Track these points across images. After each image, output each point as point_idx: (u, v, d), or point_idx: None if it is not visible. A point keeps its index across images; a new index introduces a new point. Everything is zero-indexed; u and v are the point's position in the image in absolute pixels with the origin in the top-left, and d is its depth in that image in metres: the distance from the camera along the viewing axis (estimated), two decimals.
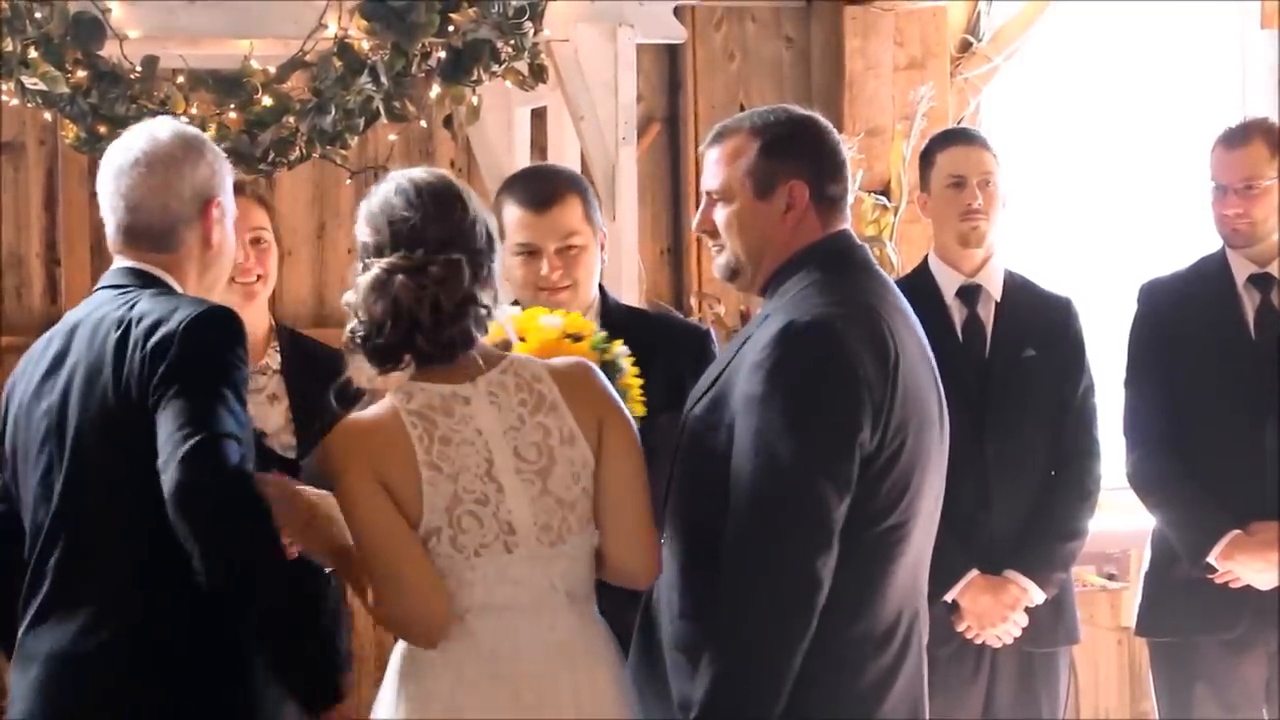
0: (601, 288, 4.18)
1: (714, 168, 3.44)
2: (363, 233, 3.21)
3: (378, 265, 3.13)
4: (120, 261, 3.44)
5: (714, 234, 3.46)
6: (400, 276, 3.10)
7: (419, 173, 3.23)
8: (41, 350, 3.40)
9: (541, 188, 4.12)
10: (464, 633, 3.15)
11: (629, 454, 3.21)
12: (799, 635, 3.15)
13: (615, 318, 4.09)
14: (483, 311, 3.17)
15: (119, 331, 3.26)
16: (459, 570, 3.13)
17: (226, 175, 3.45)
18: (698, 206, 5.96)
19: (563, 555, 3.17)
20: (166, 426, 3.14)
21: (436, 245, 3.13)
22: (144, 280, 3.38)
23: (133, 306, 3.30)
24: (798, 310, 3.26)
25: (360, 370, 3.14)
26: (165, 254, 3.39)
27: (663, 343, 4.05)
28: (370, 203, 3.21)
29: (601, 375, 3.26)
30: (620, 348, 3.68)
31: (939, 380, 3.43)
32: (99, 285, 3.43)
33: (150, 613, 3.23)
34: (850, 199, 5.48)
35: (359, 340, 3.13)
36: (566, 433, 3.17)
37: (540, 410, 3.17)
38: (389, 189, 3.20)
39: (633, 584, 3.28)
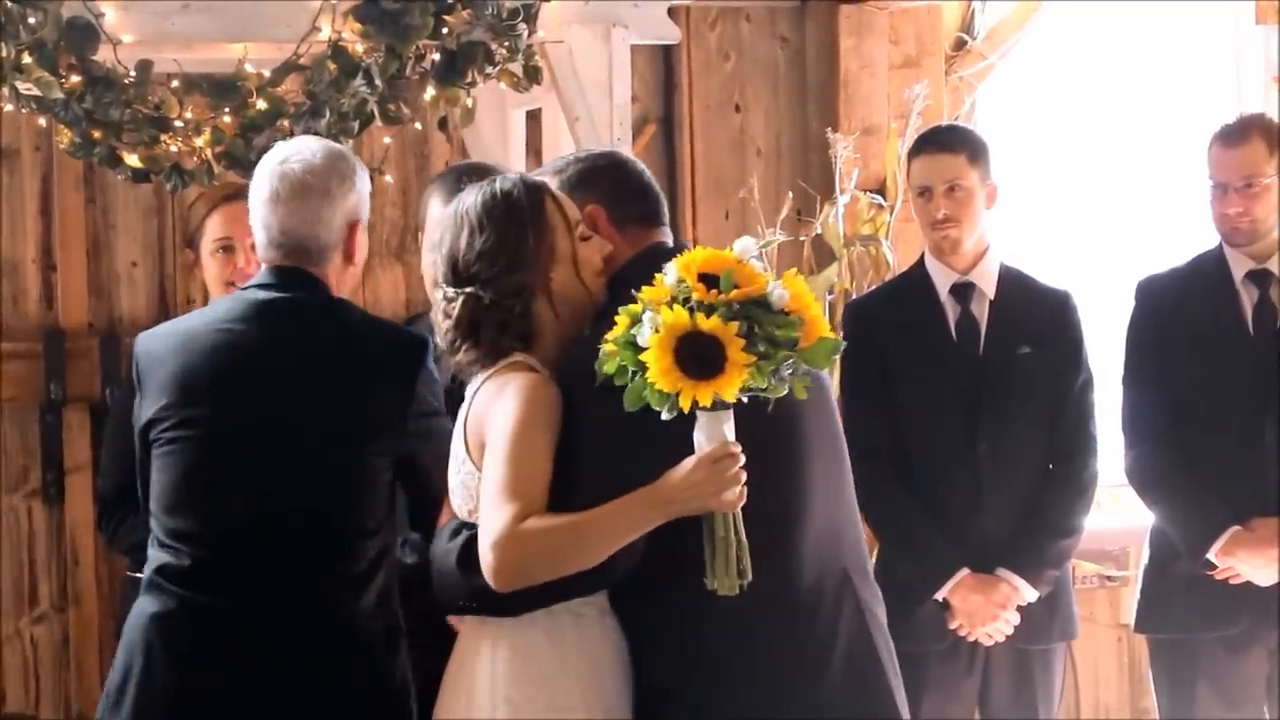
0: None
1: None
2: None
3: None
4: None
5: None
6: (438, 307, 3.39)
7: (465, 197, 3.40)
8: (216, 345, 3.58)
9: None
10: None
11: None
12: None
13: None
14: (502, 333, 3.32)
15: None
16: None
17: (367, 190, 3.69)
18: (694, 207, 6.01)
19: None
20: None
21: (452, 280, 3.37)
22: (297, 280, 3.60)
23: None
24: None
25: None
26: (313, 266, 3.62)
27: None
28: None
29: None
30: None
31: None
32: (252, 284, 3.65)
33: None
34: (847, 199, 5.49)
35: None
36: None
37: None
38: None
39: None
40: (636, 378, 3.11)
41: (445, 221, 3.38)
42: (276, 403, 3.53)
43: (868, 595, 3.47)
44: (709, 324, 3.07)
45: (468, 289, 3.31)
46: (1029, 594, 4.60)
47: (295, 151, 3.64)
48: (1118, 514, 5.77)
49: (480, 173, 3.81)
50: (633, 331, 3.11)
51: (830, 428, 3.49)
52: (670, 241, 3.56)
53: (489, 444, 3.23)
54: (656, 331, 3.07)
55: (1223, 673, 4.72)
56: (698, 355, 3.07)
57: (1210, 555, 4.64)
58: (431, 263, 3.97)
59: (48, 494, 5.58)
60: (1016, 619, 4.62)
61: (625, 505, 3.16)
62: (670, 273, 3.15)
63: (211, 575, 3.51)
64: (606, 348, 3.15)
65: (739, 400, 3.14)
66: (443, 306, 3.35)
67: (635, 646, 3.34)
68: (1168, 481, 4.72)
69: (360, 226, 3.66)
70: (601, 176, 3.55)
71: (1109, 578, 6.08)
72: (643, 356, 3.08)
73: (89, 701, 5.56)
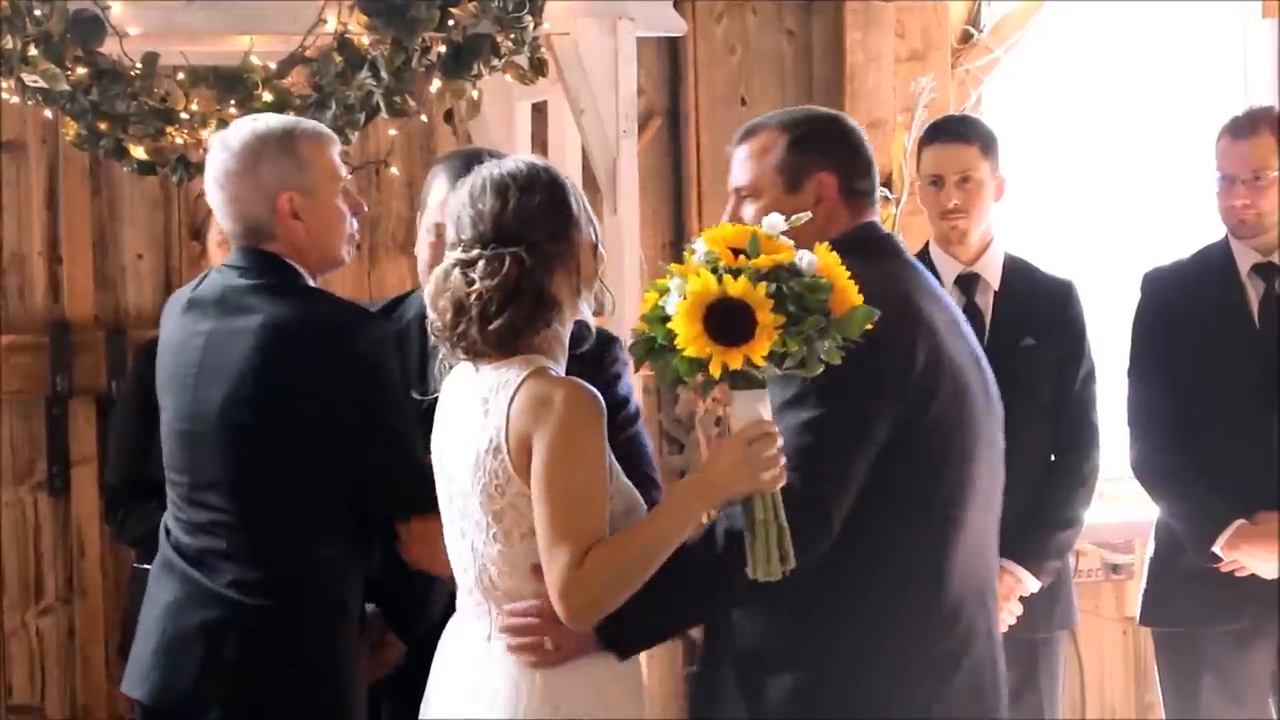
0: None
1: (742, 164, 3.48)
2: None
3: (446, 259, 3.22)
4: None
5: None
6: (456, 270, 3.18)
7: (504, 163, 3.26)
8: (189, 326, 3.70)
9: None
10: None
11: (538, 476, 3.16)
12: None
13: None
14: (537, 303, 3.18)
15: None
16: None
17: (305, 159, 3.65)
18: (699, 200, 6.01)
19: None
20: None
21: (493, 238, 3.18)
22: (263, 262, 3.66)
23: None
24: None
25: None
26: (268, 243, 3.67)
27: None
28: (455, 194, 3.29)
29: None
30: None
31: (984, 367, 3.51)
32: (225, 263, 3.74)
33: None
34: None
35: (435, 332, 3.23)
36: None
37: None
38: (469, 180, 3.26)
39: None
40: (665, 352, 3.06)
41: (473, 189, 3.23)
42: (213, 390, 3.62)
43: (994, 619, 3.47)
44: (737, 287, 3.01)
45: (512, 248, 3.16)
46: (1031, 584, 4.60)
47: (219, 139, 3.71)
48: (1121, 507, 5.77)
49: (482, 159, 3.72)
50: (661, 303, 3.07)
51: (996, 449, 3.48)
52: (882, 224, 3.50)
53: (534, 472, 3.12)
54: (684, 299, 3.03)
55: (1228, 667, 4.71)
56: (726, 321, 3.01)
57: (1215, 549, 4.64)
58: (429, 244, 3.96)
59: (53, 486, 5.59)
60: (1019, 609, 4.62)
61: (674, 501, 3.14)
62: (699, 246, 3.10)
63: (178, 543, 3.68)
64: (635, 327, 3.11)
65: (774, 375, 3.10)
66: (479, 268, 3.16)
67: (772, 641, 3.33)
68: (1173, 475, 4.71)
69: (287, 198, 3.64)
70: (836, 143, 3.45)
71: (1115, 568, 6.09)
72: (670, 324, 3.03)
73: (94, 694, 5.57)
